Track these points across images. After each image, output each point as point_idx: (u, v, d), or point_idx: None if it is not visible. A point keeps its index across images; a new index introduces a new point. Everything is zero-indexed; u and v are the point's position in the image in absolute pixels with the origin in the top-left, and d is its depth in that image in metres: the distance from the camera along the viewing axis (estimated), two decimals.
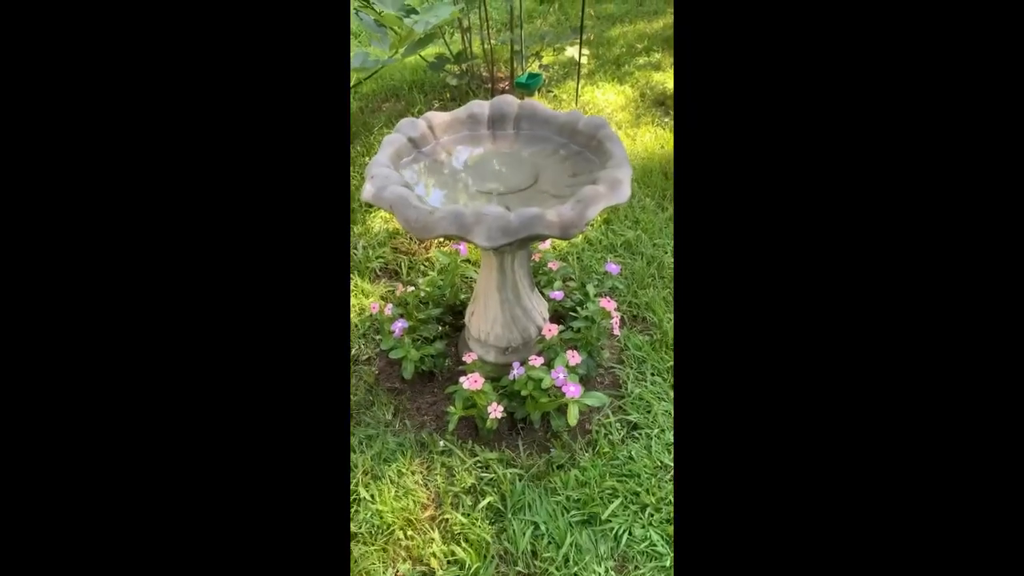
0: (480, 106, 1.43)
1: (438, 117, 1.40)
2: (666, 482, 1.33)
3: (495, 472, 1.36)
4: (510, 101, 1.43)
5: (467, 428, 1.48)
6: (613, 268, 1.75)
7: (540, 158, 1.36)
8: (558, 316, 1.72)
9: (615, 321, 1.55)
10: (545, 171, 1.34)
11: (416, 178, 1.30)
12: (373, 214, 2.26)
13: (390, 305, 1.68)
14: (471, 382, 1.37)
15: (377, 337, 1.74)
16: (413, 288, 1.80)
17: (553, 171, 1.35)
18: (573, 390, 1.34)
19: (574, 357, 1.45)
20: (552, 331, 1.50)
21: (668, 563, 1.18)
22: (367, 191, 1.15)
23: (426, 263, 2.03)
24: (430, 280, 1.85)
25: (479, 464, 1.38)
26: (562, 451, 1.41)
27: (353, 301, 1.88)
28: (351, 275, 1.97)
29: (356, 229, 2.20)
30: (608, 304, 1.52)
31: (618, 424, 1.47)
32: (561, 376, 1.38)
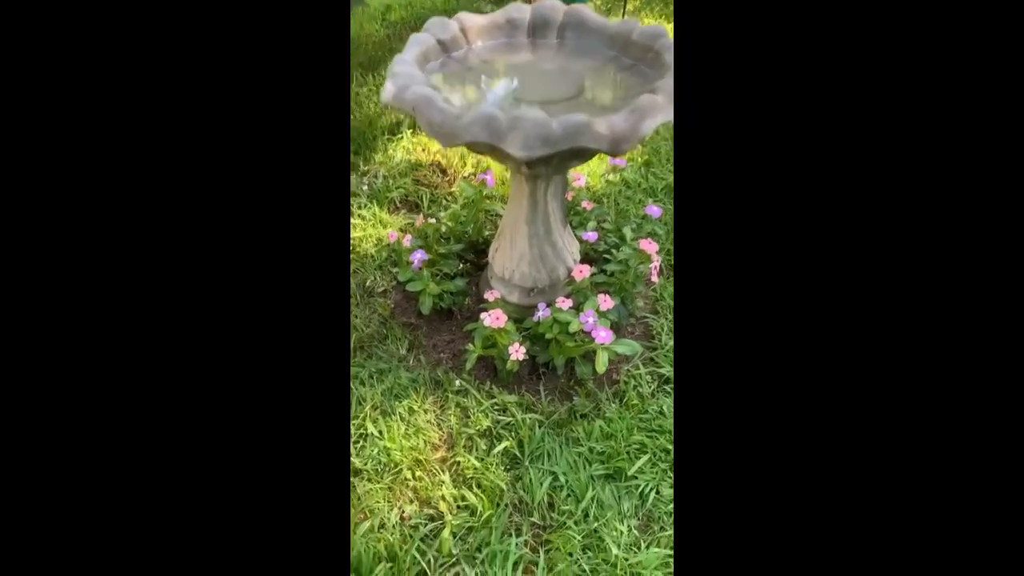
0: (520, 10, 1.27)
1: (472, 20, 1.24)
2: None
3: (513, 416, 1.25)
4: (555, 6, 1.27)
5: (485, 369, 1.38)
6: (654, 211, 1.60)
7: (587, 71, 1.20)
8: (589, 260, 1.58)
9: (654, 266, 1.41)
10: (592, 84, 1.19)
11: (443, 84, 1.15)
12: (395, 144, 2.12)
13: (409, 236, 1.56)
14: (493, 319, 1.25)
15: (394, 269, 1.63)
16: (434, 221, 1.68)
17: (602, 85, 1.19)
18: (604, 335, 1.22)
19: (606, 302, 1.32)
20: (583, 272, 1.37)
21: None
22: (387, 91, 1.01)
23: (449, 197, 1.90)
24: (452, 213, 1.72)
25: (496, 407, 1.28)
26: (586, 400, 1.30)
27: (370, 231, 1.76)
28: (369, 204, 1.85)
29: (377, 158, 2.06)
30: (649, 247, 1.38)
31: (648, 376, 1.36)
32: (591, 320, 1.26)
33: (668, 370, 1.36)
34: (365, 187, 1.93)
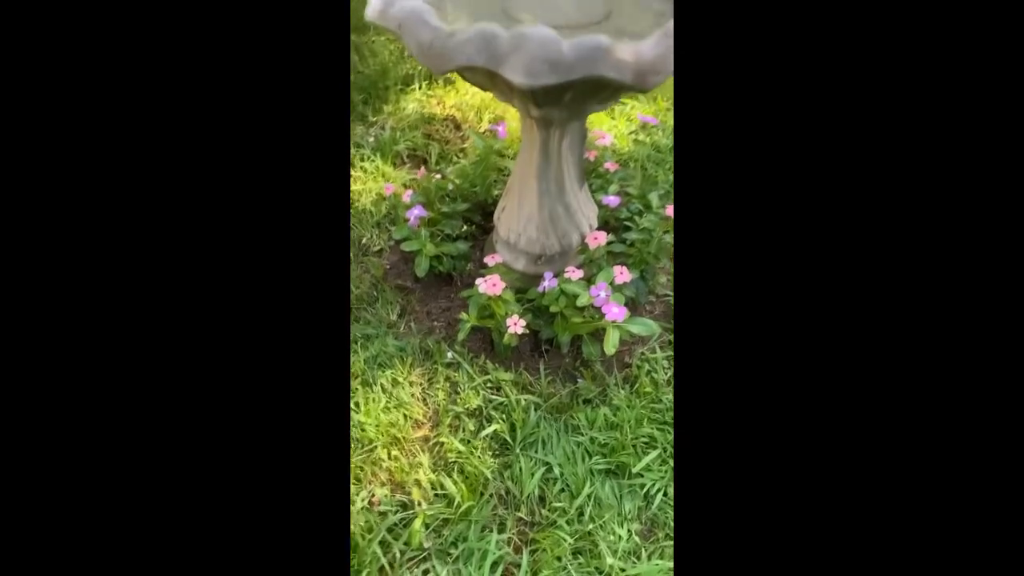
0: None
1: None
2: None
3: (507, 396, 1.11)
4: None
5: (482, 342, 1.23)
6: None
7: None
8: (608, 227, 1.42)
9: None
10: (623, 6, 1.01)
11: (439, 3, 0.99)
12: (407, 95, 1.96)
13: (409, 191, 1.42)
14: (489, 285, 1.11)
15: (392, 227, 1.49)
16: (439, 177, 1.53)
17: (633, 7, 1.01)
18: (616, 312, 1.06)
19: (622, 274, 1.16)
20: (599, 240, 1.21)
21: None
22: (372, 6, 0.86)
23: (460, 154, 1.74)
24: (460, 169, 1.57)
25: (489, 384, 1.14)
26: (592, 383, 1.15)
27: (370, 185, 1.62)
28: (372, 157, 1.70)
29: (387, 109, 1.91)
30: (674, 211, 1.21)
31: (666, 362, 1.20)
32: (603, 295, 1.10)
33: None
34: (371, 139, 1.78)
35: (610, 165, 1.48)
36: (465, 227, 1.45)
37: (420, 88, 1.98)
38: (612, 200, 1.36)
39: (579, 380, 1.16)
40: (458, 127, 1.86)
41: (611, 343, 1.05)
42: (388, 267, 1.41)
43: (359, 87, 1.97)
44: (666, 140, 1.74)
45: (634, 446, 1.04)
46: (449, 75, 1.93)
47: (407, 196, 1.39)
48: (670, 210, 1.21)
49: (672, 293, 1.34)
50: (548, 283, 1.17)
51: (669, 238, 1.24)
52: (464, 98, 1.94)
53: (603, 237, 1.21)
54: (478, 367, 1.17)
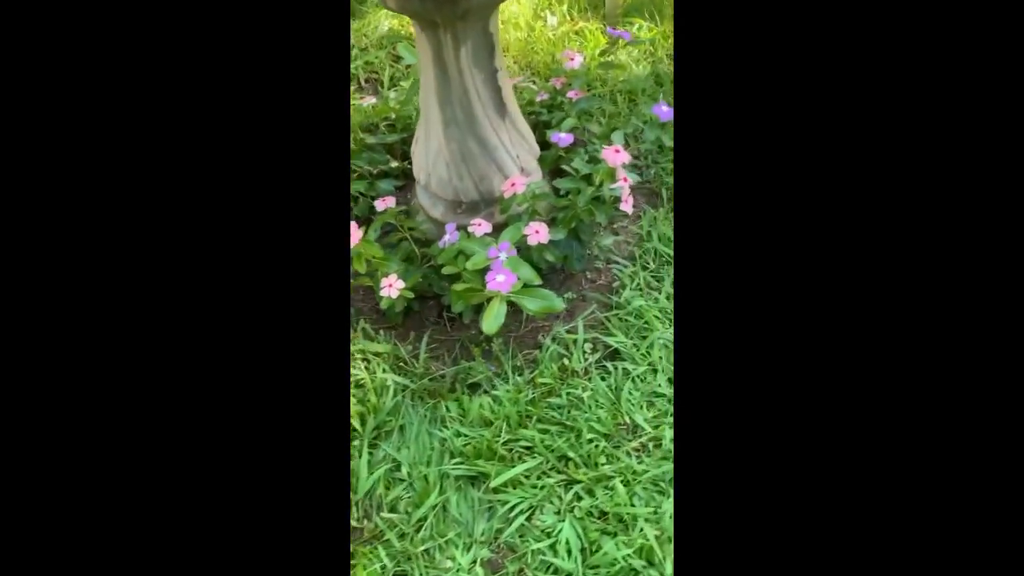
0: None
1: None
2: (628, 456, 0.82)
3: (370, 373, 0.92)
4: None
5: (374, 303, 1.04)
6: (664, 111, 1.12)
7: None
8: (560, 173, 1.16)
9: (624, 188, 0.96)
10: None
11: None
12: (378, 11, 1.72)
13: None
14: (354, 235, 0.90)
15: None
16: (374, 102, 1.30)
17: None
18: (501, 281, 0.82)
19: (538, 232, 0.91)
20: (516, 187, 0.96)
21: None
22: None
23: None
24: (401, 91, 1.33)
25: (356, 356, 0.95)
26: (482, 365, 0.93)
27: None
28: None
29: (353, 25, 1.68)
30: (615, 157, 0.93)
31: (589, 345, 0.95)
32: (502, 256, 0.87)
33: (619, 340, 0.95)
34: None
35: (574, 93, 1.20)
36: (395, 164, 1.23)
37: None
38: (564, 138, 1.08)
39: (470, 360, 0.95)
40: None
41: (492, 318, 0.82)
42: None
43: None
44: (646, 68, 1.41)
45: (508, 450, 0.83)
46: None
47: None
48: (607, 152, 0.93)
49: (620, 260, 1.07)
50: (449, 237, 0.95)
51: (612, 190, 0.96)
52: None
53: (521, 183, 0.96)
54: (353, 335, 0.98)
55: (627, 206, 0.97)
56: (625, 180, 0.93)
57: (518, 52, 1.56)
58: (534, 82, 1.41)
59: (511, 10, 1.66)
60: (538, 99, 1.26)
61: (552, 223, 1.01)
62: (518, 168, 1.04)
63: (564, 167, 1.14)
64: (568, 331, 0.98)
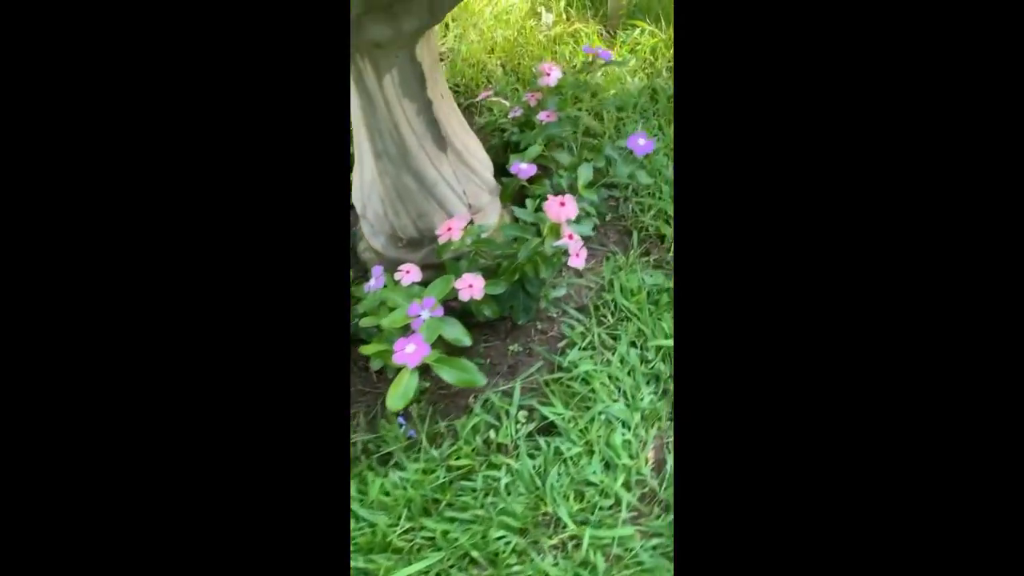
0: None
1: None
2: (543, 556, 0.72)
3: None
4: None
5: None
6: (640, 144, 0.99)
7: None
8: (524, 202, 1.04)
9: (572, 244, 0.84)
10: None
11: None
12: None
13: None
14: None
15: None
16: None
17: None
18: (411, 353, 0.72)
19: (471, 287, 0.81)
20: (454, 230, 0.85)
21: None
22: None
23: None
24: None
25: None
26: (396, 432, 0.83)
27: None
28: None
29: None
30: (559, 212, 0.81)
31: (524, 414, 0.85)
32: (424, 315, 0.77)
33: (558, 411, 0.84)
34: None
35: (545, 115, 1.07)
36: None
37: None
38: (523, 170, 0.96)
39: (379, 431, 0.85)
40: None
41: (398, 394, 0.72)
42: None
43: None
44: (641, 75, 1.26)
45: (408, 542, 0.73)
46: None
47: None
48: (551, 205, 0.81)
49: (575, 314, 0.95)
50: (375, 283, 0.85)
51: (555, 245, 0.84)
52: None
53: (459, 227, 0.85)
54: None
55: (577, 261, 0.85)
56: (571, 237, 0.81)
57: (504, 54, 1.43)
58: (507, 96, 1.27)
59: (504, 3, 1.52)
60: (511, 115, 1.14)
61: (497, 269, 0.90)
62: (465, 205, 0.93)
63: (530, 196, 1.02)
64: (505, 393, 0.88)
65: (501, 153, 1.15)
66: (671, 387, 0.87)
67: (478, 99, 1.21)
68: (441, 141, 0.85)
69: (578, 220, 1.00)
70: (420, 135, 0.82)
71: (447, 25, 1.52)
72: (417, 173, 0.86)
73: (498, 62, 1.42)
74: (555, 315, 0.97)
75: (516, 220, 0.91)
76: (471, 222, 0.94)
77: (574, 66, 1.29)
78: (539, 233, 0.86)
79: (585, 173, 0.98)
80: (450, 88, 1.33)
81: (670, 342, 0.90)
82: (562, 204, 0.80)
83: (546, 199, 0.83)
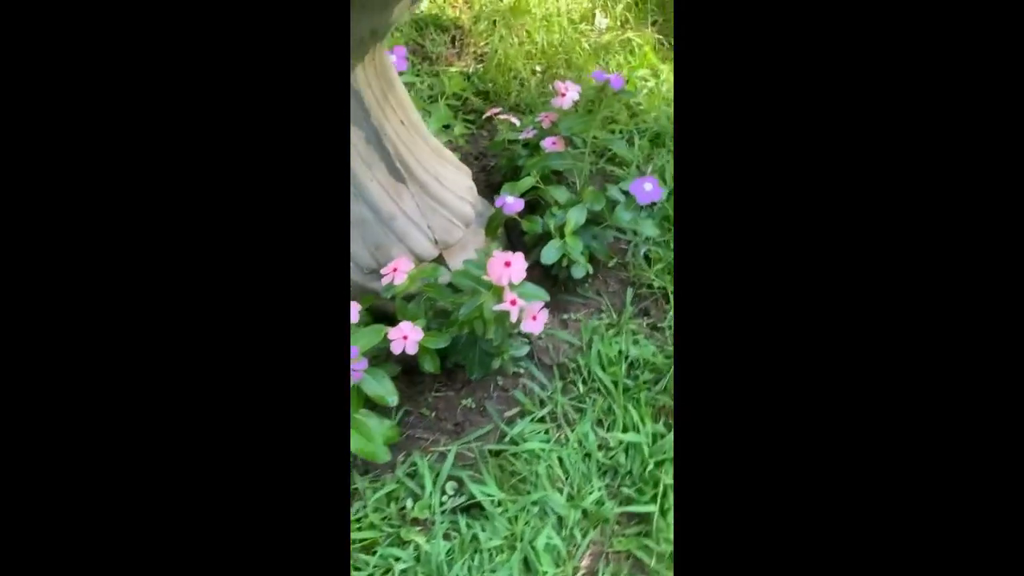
0: None
1: None
2: None
3: None
4: None
5: None
6: (644, 191, 0.85)
7: None
8: (515, 247, 0.93)
9: (514, 310, 0.72)
10: None
11: None
12: None
13: None
14: None
15: None
16: None
17: None
18: None
19: (406, 339, 0.72)
20: (399, 273, 0.76)
21: None
22: None
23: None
24: None
25: None
26: None
27: None
28: None
29: None
30: (502, 273, 0.69)
31: (453, 485, 0.76)
32: (360, 369, 0.69)
33: (490, 492, 0.74)
34: None
35: (550, 143, 0.94)
36: None
37: None
38: (509, 204, 0.86)
39: None
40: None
41: None
42: None
43: None
44: (642, 106, 1.08)
45: None
46: None
47: None
48: (493, 265, 0.69)
49: (534, 372, 0.84)
50: None
51: (497, 307, 0.72)
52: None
53: (403, 271, 0.76)
54: None
55: (534, 325, 0.74)
56: (513, 303, 0.70)
57: (545, 60, 1.30)
58: (521, 115, 1.15)
59: (555, 6, 1.39)
60: (522, 136, 1.03)
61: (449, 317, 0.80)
62: (430, 240, 0.84)
63: (528, 239, 0.91)
64: (442, 454, 0.79)
65: (509, 176, 1.04)
66: (625, 489, 0.74)
67: (485, 115, 1.10)
68: (397, 173, 0.76)
69: (568, 266, 0.88)
70: (372, 165, 0.74)
71: (494, 23, 1.41)
72: (372, 204, 0.78)
73: (534, 69, 1.29)
74: (521, 371, 0.86)
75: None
76: (439, 258, 0.85)
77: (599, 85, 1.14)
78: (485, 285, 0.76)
79: (576, 216, 0.86)
80: (476, 95, 1.24)
81: (639, 439, 0.76)
82: (507, 264, 0.68)
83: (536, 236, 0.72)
